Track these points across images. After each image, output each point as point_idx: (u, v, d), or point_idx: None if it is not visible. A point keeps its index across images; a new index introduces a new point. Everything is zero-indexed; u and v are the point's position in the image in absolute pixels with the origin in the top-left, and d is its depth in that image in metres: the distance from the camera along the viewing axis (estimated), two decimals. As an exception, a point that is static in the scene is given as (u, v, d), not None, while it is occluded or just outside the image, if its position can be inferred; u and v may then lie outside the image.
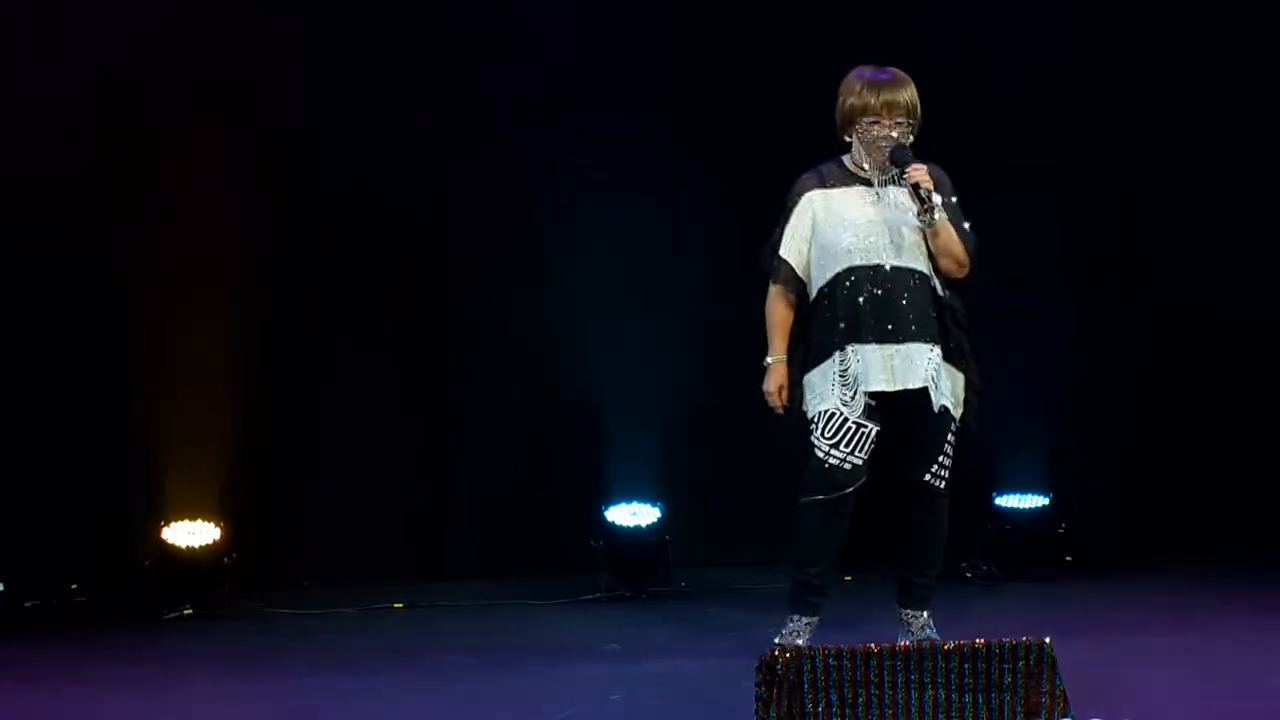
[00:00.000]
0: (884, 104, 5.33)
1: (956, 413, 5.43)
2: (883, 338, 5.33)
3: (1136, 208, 8.20)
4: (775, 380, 5.50)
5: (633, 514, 7.38)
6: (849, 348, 5.35)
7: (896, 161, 5.34)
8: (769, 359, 5.53)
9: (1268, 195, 8.12)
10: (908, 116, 5.35)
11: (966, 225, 5.43)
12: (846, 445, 5.37)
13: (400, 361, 7.81)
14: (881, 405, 5.37)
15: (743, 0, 7.86)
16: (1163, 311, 8.22)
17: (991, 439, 7.27)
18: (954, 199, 5.46)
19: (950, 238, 5.36)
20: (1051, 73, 7.78)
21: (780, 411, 5.51)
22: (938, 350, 5.35)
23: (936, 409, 5.34)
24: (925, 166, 5.34)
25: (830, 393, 5.38)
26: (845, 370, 5.36)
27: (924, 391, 5.33)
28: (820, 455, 5.39)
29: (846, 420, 5.35)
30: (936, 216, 5.30)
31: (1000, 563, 7.53)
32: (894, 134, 5.33)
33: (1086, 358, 8.00)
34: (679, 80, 7.74)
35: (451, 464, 7.85)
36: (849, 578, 7.26)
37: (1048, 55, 7.75)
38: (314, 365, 7.69)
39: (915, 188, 5.29)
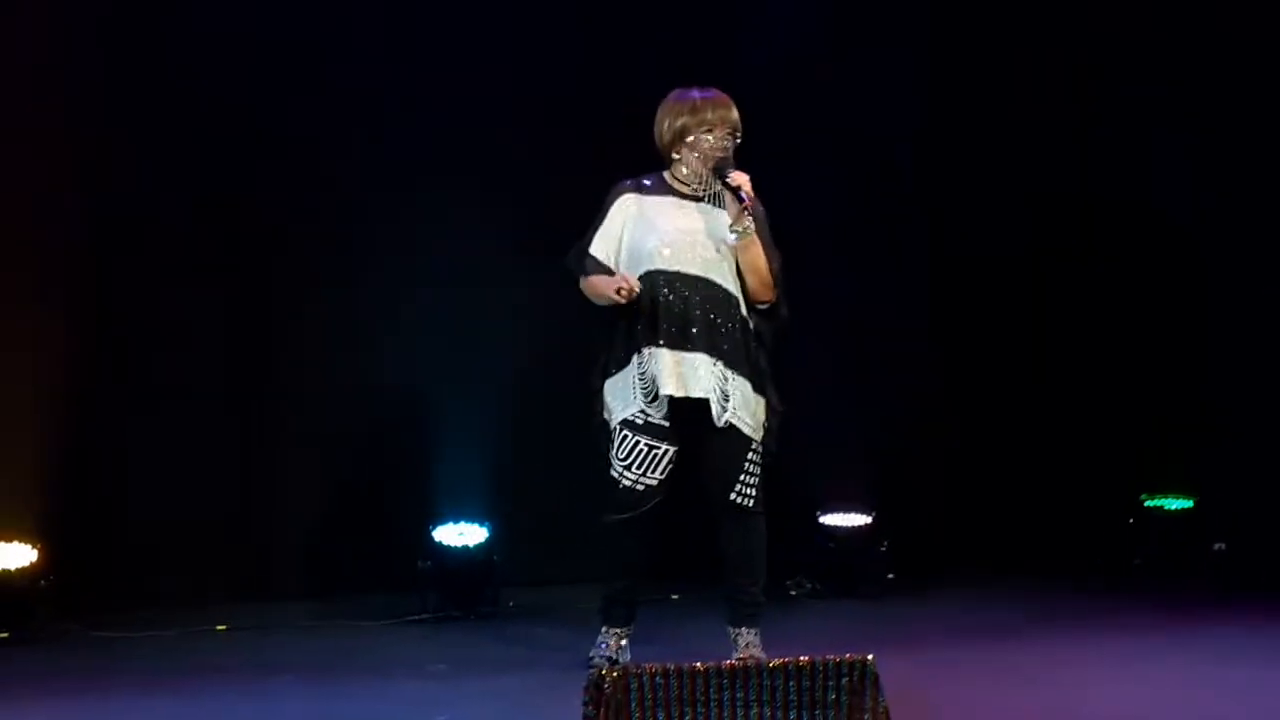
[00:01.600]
0: (720, 118, 5.49)
1: (755, 435, 5.50)
2: (674, 343, 5.43)
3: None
4: (616, 281, 5.41)
5: (460, 534, 7.34)
6: (646, 350, 5.44)
7: (720, 172, 5.45)
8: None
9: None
10: (736, 132, 5.51)
11: (777, 254, 5.54)
12: (638, 467, 5.46)
13: (217, 376, 7.62)
14: (675, 422, 5.44)
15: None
16: (987, 331, 8.38)
17: (815, 457, 7.37)
18: (768, 232, 5.56)
19: (759, 253, 5.48)
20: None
21: (628, 294, 5.35)
22: (721, 365, 5.43)
23: (721, 423, 5.42)
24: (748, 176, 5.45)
25: (632, 399, 5.47)
26: (644, 373, 5.46)
27: (707, 403, 5.41)
28: (615, 475, 5.52)
29: (639, 443, 5.45)
30: (748, 222, 5.39)
31: (824, 580, 7.61)
32: (726, 143, 5.47)
33: (910, 376, 8.12)
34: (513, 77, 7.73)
35: (277, 482, 7.72)
36: (676, 596, 7.31)
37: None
38: (129, 381, 7.49)
39: (736, 190, 5.39)
